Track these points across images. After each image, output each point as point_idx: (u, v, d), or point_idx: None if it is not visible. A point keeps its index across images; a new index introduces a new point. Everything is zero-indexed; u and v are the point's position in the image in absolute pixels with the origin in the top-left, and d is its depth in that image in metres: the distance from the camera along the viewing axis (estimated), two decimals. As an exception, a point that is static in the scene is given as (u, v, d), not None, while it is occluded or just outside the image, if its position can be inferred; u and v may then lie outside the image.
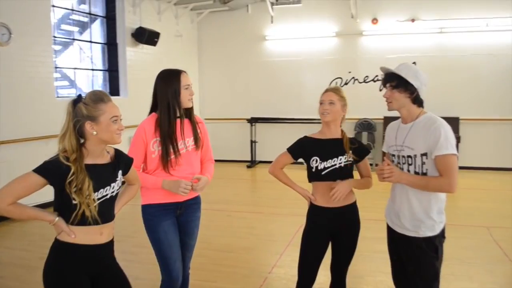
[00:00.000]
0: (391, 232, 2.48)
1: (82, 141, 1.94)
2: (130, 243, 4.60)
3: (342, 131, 2.69)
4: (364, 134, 8.96)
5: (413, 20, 8.72)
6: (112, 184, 2.02)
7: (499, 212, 5.84)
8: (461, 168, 6.98)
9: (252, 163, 9.72)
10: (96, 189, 1.93)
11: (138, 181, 2.36)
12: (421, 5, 8.69)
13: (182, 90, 2.51)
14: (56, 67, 6.87)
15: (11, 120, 5.66)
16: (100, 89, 7.97)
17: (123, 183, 2.16)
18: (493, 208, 6.07)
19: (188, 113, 2.62)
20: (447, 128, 2.21)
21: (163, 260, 2.58)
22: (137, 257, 4.25)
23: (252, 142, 9.77)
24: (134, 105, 8.10)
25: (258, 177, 8.93)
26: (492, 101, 8.58)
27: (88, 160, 1.94)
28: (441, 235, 2.33)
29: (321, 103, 2.61)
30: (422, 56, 8.68)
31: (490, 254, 4.32)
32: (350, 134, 8.74)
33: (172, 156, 2.50)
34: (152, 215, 2.55)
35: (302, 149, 2.68)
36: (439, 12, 8.59)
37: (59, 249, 1.95)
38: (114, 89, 8.09)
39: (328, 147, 2.60)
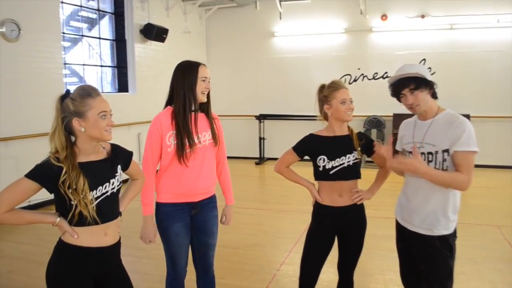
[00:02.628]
0: (401, 230, 2.43)
1: (73, 139, 1.86)
2: (138, 239, 4.58)
3: (348, 127, 2.61)
4: (373, 131, 8.91)
5: (423, 16, 8.64)
6: (112, 180, 1.93)
7: (511, 211, 5.77)
8: (472, 166, 7.04)
9: (260, 160, 9.70)
10: (94, 187, 1.85)
11: (142, 175, 2.29)
12: (431, 1, 8.60)
13: (198, 81, 2.46)
14: (65, 63, 6.88)
15: (20, 115, 5.69)
16: (110, 84, 8.01)
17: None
18: (505, 207, 6.00)
19: (205, 107, 2.58)
20: (469, 124, 2.16)
21: (171, 258, 2.58)
22: (145, 253, 4.24)
23: (261, 139, 9.75)
24: (142, 101, 8.15)
25: (267, 174, 8.90)
26: (503, 98, 8.47)
27: (82, 158, 1.86)
28: (454, 234, 2.29)
29: (342, 102, 2.48)
30: (432, 53, 8.62)
31: (501, 253, 4.27)
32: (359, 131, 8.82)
33: (188, 150, 2.43)
34: (166, 215, 2.50)
35: (308, 148, 2.61)
36: (449, 8, 8.50)
37: (63, 250, 1.88)
38: (123, 85, 8.10)
39: (336, 145, 2.53)
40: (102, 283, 1.97)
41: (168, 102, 2.54)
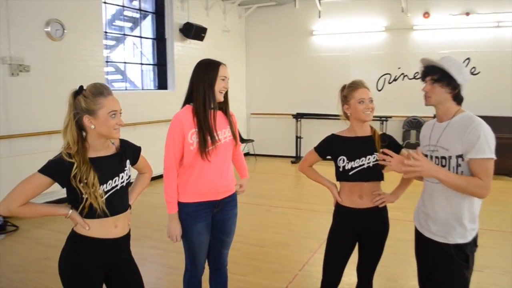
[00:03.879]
0: (418, 236, 2.37)
1: (84, 134, 1.93)
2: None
3: (371, 127, 2.57)
4: (413, 133, 8.66)
5: (467, 14, 8.29)
6: (121, 174, 2.00)
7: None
8: (518, 172, 6.65)
9: (296, 158, 9.70)
10: (104, 181, 1.92)
11: (150, 169, 2.35)
12: (476, -2, 8.26)
13: (218, 79, 2.47)
14: (107, 61, 7.16)
15: (63, 111, 5.97)
16: (152, 81, 8.24)
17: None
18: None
19: (223, 106, 2.59)
20: (486, 129, 2.04)
21: (191, 256, 2.63)
22: (172, 247, 4.29)
23: (297, 138, 9.74)
24: (181, 99, 8.31)
25: (302, 173, 8.86)
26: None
27: (92, 154, 1.93)
28: (473, 244, 2.17)
29: (360, 102, 2.46)
30: (477, 52, 8.26)
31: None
32: (398, 132, 8.63)
33: (211, 147, 2.45)
34: (189, 215, 2.52)
35: (329, 148, 2.61)
36: (496, 4, 8.10)
37: (74, 241, 1.97)
38: (162, 83, 8.32)
39: (356, 146, 2.50)
40: (112, 273, 2.05)
41: (187, 100, 2.55)
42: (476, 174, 2.02)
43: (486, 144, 2.01)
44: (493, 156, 2.01)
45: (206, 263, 2.74)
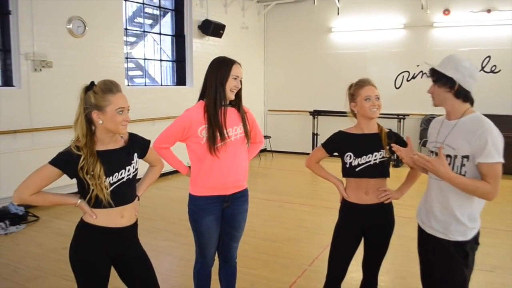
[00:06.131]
0: (420, 233, 2.40)
1: (93, 128, 2.02)
2: (183, 226, 4.81)
3: (378, 125, 2.61)
4: (431, 131, 8.57)
5: (489, 11, 8.13)
6: (128, 167, 2.08)
7: None
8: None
9: (313, 155, 9.69)
10: (110, 173, 2.01)
11: (160, 162, 2.43)
12: (499, -6, 8.09)
13: (230, 78, 2.52)
14: (127, 57, 7.32)
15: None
16: (171, 77, 8.37)
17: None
18: None
19: (236, 103, 2.64)
20: (496, 133, 2.06)
21: (201, 247, 2.71)
22: (187, 240, 4.44)
23: (314, 135, 9.74)
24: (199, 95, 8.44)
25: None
26: None
27: (100, 147, 2.02)
28: (474, 242, 2.19)
29: (367, 99, 2.50)
30: (498, 50, 8.10)
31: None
32: (416, 130, 8.55)
33: (219, 144, 2.51)
34: (198, 207, 2.61)
35: (336, 145, 2.65)
36: (519, 1, 7.94)
37: (82, 229, 2.07)
38: (181, 79, 8.45)
39: (363, 143, 2.54)
40: (120, 261, 2.15)
41: (201, 96, 2.61)
42: (484, 177, 2.05)
43: (495, 149, 2.03)
44: (501, 160, 2.04)
45: (216, 256, 2.82)
